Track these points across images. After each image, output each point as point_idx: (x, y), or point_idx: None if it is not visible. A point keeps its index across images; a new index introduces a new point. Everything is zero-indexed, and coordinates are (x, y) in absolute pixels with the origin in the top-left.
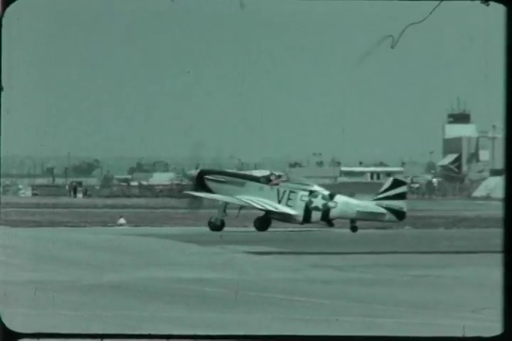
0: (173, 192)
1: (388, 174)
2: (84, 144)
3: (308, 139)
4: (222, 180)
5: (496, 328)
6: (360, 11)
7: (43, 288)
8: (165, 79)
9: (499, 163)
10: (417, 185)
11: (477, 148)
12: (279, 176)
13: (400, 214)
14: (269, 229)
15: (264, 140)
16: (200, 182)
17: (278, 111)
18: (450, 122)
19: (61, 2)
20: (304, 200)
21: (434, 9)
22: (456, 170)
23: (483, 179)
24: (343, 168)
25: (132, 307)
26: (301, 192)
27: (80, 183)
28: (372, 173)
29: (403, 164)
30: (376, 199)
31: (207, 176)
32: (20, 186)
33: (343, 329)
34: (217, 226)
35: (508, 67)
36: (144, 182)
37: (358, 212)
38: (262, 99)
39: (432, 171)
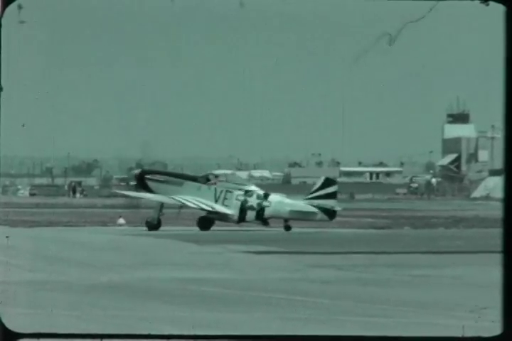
0: None
1: (387, 174)
2: (84, 144)
3: (308, 139)
4: (161, 179)
5: (495, 328)
6: (360, 10)
7: (42, 288)
8: (165, 78)
9: (498, 163)
10: (416, 185)
11: (476, 148)
12: (217, 176)
13: (331, 213)
14: (213, 228)
15: (263, 140)
16: (142, 181)
17: (278, 111)
18: (449, 122)
19: (61, 2)
20: (239, 200)
21: (431, 8)
22: (455, 170)
23: (483, 179)
24: (343, 168)
25: (131, 308)
26: (237, 192)
27: (79, 183)
28: (371, 173)
29: (402, 164)
30: (308, 199)
31: (147, 176)
32: (19, 186)
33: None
34: (153, 225)
35: (508, 67)
36: None
37: (291, 212)
38: (261, 99)
39: (431, 171)
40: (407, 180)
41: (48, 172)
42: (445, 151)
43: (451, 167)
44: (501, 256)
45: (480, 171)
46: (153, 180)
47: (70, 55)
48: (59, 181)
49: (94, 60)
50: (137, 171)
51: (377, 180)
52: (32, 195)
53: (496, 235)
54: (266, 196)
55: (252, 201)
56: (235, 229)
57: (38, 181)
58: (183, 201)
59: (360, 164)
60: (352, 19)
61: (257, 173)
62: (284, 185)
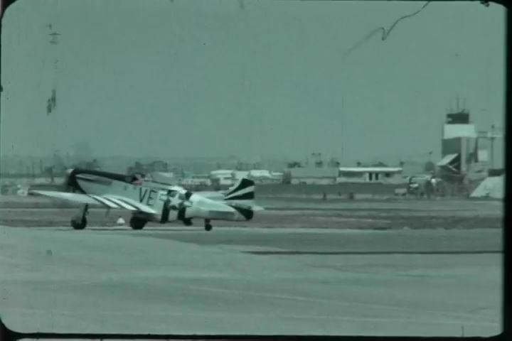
0: None
1: (387, 174)
2: (83, 144)
3: (308, 139)
4: (91, 179)
5: (495, 328)
6: (360, 9)
7: (41, 287)
8: (164, 77)
9: (498, 163)
10: (415, 185)
11: (476, 148)
12: (143, 175)
13: (248, 213)
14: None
15: (263, 140)
16: (73, 181)
17: (277, 111)
18: (449, 122)
19: (61, 2)
20: (162, 199)
21: (425, 5)
22: (455, 170)
23: (482, 179)
24: (342, 168)
25: (131, 307)
26: (161, 192)
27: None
28: (370, 173)
29: (402, 164)
30: (226, 199)
31: (78, 175)
32: (19, 186)
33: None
34: (78, 224)
35: (508, 67)
36: None
37: (211, 212)
38: (261, 98)
39: (431, 171)
40: (406, 180)
41: (48, 172)
42: (445, 151)
43: (451, 167)
44: (501, 256)
45: (480, 171)
46: (84, 180)
47: (70, 55)
48: (59, 181)
49: (94, 60)
50: (69, 170)
51: (377, 180)
52: (30, 194)
53: (495, 235)
54: (188, 196)
55: (175, 201)
56: (153, 229)
57: (37, 181)
58: (104, 201)
59: (359, 164)
60: (352, 19)
61: (256, 173)
62: (284, 185)
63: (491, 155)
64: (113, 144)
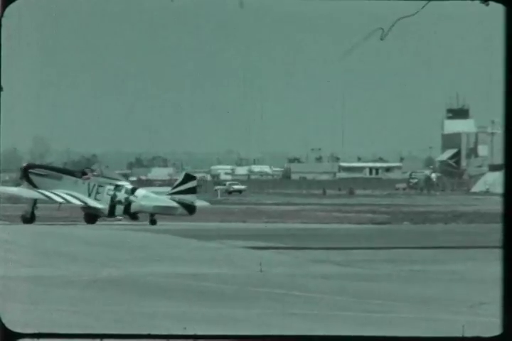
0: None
1: (387, 169)
2: (83, 139)
3: (308, 135)
4: (43, 173)
5: (495, 323)
6: (360, 9)
7: (42, 283)
8: (165, 76)
9: (498, 158)
10: (415, 180)
11: (476, 144)
12: (92, 170)
13: (190, 208)
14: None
15: (263, 135)
16: (26, 175)
17: (277, 106)
18: (449, 117)
19: (61, 2)
20: (109, 194)
21: (425, 5)
22: (454, 165)
23: (482, 174)
24: (342, 164)
25: (131, 303)
26: (108, 186)
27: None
28: (371, 169)
29: (402, 159)
30: (170, 194)
31: (31, 170)
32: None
33: (342, 324)
34: (27, 219)
35: (507, 65)
36: (143, 177)
37: (155, 206)
38: (261, 95)
39: (431, 166)
40: (406, 175)
41: (92, 167)
42: (445, 146)
43: (451, 162)
44: (501, 252)
45: (479, 166)
46: (36, 174)
47: (70, 55)
48: None
49: (93, 59)
50: (23, 165)
51: (377, 176)
52: None
53: (495, 230)
54: (133, 191)
55: (121, 195)
56: (104, 224)
57: None
58: (50, 195)
59: (359, 159)
60: (352, 18)
61: (256, 168)
62: (284, 180)
63: (491, 151)
64: (113, 139)
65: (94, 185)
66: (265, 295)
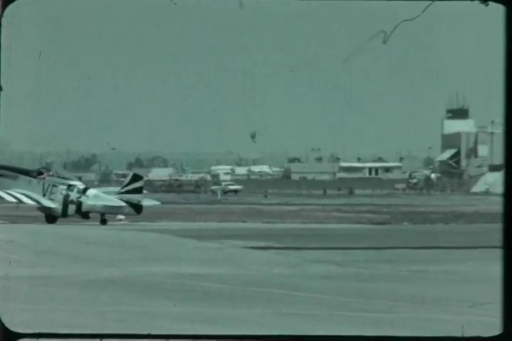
0: (171, 187)
1: (387, 169)
2: (83, 139)
3: (308, 135)
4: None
5: (495, 323)
6: (360, 9)
7: (42, 283)
8: (166, 75)
9: (498, 159)
10: (415, 181)
11: (476, 144)
12: (48, 170)
13: (137, 208)
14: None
15: (263, 135)
16: None
17: (277, 106)
18: (449, 117)
19: (61, 2)
20: (62, 194)
21: (426, 7)
22: (454, 165)
23: (482, 174)
24: (342, 164)
25: (131, 303)
26: (61, 186)
27: (79, 178)
28: (370, 169)
29: (402, 159)
30: (119, 193)
31: None
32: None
33: (342, 324)
34: None
35: (507, 65)
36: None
37: (104, 206)
38: (261, 94)
39: (431, 166)
40: (406, 175)
41: (48, 167)
42: (444, 146)
43: (451, 162)
44: (501, 252)
45: (479, 166)
46: None
47: (70, 55)
48: None
49: (93, 59)
50: None
51: (377, 176)
52: None
53: (495, 230)
54: (85, 190)
55: (73, 195)
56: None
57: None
58: (2, 195)
59: (359, 159)
60: (352, 18)
61: (256, 169)
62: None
63: (491, 151)
64: (113, 140)
65: (49, 184)
66: (265, 296)
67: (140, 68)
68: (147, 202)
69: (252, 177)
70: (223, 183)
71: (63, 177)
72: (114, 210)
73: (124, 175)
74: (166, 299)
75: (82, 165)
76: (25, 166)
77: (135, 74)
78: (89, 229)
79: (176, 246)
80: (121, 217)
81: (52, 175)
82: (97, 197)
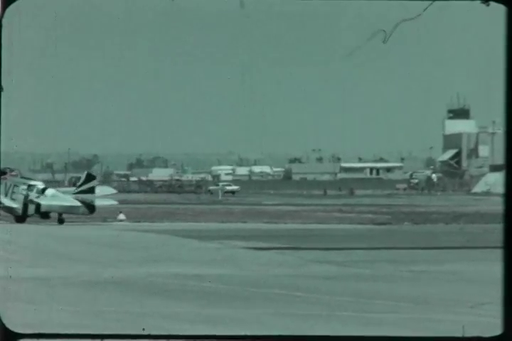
0: (172, 187)
1: (388, 169)
2: (84, 140)
3: (308, 135)
4: None
5: (496, 324)
6: (360, 9)
7: (43, 284)
8: (165, 76)
9: (499, 159)
10: (416, 181)
11: (477, 144)
12: (12, 170)
13: (90, 207)
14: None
15: (264, 136)
16: None
17: (278, 107)
18: (450, 118)
19: (61, 2)
20: (23, 194)
21: (427, 7)
22: (455, 165)
23: (483, 174)
24: (343, 164)
25: (132, 303)
26: (22, 186)
27: (79, 179)
28: (371, 169)
29: (403, 160)
30: (74, 193)
31: None
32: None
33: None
34: None
35: (508, 65)
36: (144, 178)
37: (61, 206)
38: (262, 95)
39: (432, 167)
40: (407, 175)
41: (49, 167)
42: (446, 147)
43: (452, 162)
44: (502, 252)
45: (480, 166)
46: None
47: (70, 55)
48: (59, 177)
49: (94, 59)
50: None
51: (378, 176)
52: None
53: (496, 230)
54: (43, 190)
55: (33, 195)
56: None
57: (38, 177)
58: None
59: (360, 160)
60: (352, 18)
61: (257, 169)
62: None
63: (492, 151)
64: (114, 140)
65: (11, 184)
66: (266, 296)
67: (140, 68)
68: (106, 201)
69: (253, 177)
70: (220, 184)
71: (25, 178)
72: (70, 210)
73: (125, 176)
74: (167, 299)
75: (83, 165)
76: (25, 167)
77: (135, 74)
78: (90, 230)
79: (177, 246)
80: (122, 217)
81: (16, 175)
82: (54, 197)
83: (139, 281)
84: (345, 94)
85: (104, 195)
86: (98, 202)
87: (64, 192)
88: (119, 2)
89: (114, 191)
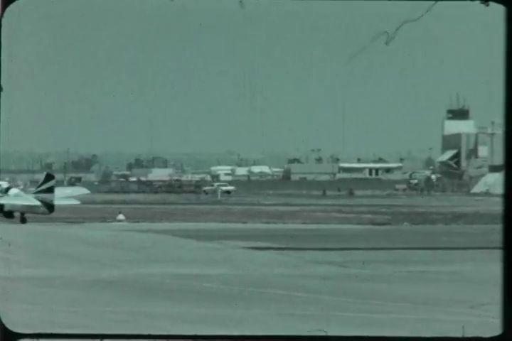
0: (171, 187)
1: (387, 170)
2: (83, 140)
3: (308, 135)
4: None
5: (495, 324)
6: (360, 10)
7: (43, 283)
8: (165, 76)
9: (498, 159)
10: (415, 181)
11: (476, 144)
12: None
13: (49, 207)
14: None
15: (263, 136)
16: None
17: (277, 107)
18: (449, 118)
19: (61, 2)
20: None
21: (429, 8)
22: (455, 166)
23: (482, 175)
24: (342, 164)
25: (131, 304)
26: None
27: (79, 179)
28: (371, 169)
29: (402, 160)
30: (34, 193)
31: None
32: (19, 182)
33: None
34: None
35: (508, 65)
36: (143, 178)
37: (23, 205)
38: (261, 95)
39: (431, 167)
40: (406, 176)
41: (48, 167)
42: (445, 147)
43: (451, 163)
44: (501, 253)
45: (480, 167)
46: None
47: (70, 55)
48: (59, 177)
49: (94, 59)
50: None
51: (377, 176)
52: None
53: (495, 231)
54: (7, 190)
55: None
56: None
57: (37, 177)
58: None
59: (359, 160)
60: (352, 18)
61: (256, 169)
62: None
63: (491, 151)
64: (113, 140)
65: None
66: (265, 296)
67: (140, 68)
68: (67, 201)
69: (253, 177)
70: (215, 184)
71: None
72: (31, 209)
73: (124, 176)
74: (166, 299)
75: (82, 165)
76: (25, 167)
77: (135, 74)
78: (89, 230)
79: (176, 246)
80: (121, 217)
81: None
82: (17, 196)
83: (138, 281)
84: (345, 95)
85: (76, 195)
86: (59, 202)
87: (27, 192)
88: (119, 2)
89: (87, 191)
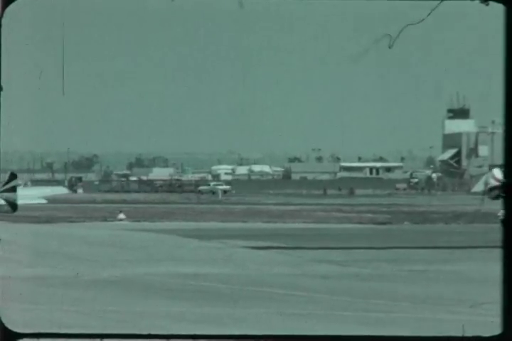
0: (172, 187)
1: (388, 169)
2: (84, 139)
3: (308, 134)
4: None
5: (496, 323)
6: (360, 10)
7: (43, 283)
8: (165, 76)
9: (498, 158)
10: (416, 180)
11: (476, 143)
12: None
13: (13, 206)
14: None
15: (264, 135)
16: None
17: (278, 106)
18: (450, 117)
19: (61, 2)
20: None
21: (432, 11)
22: (455, 165)
23: (483, 174)
24: (343, 164)
25: (131, 303)
26: None
27: (79, 178)
28: (371, 168)
29: (403, 159)
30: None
31: None
32: (19, 181)
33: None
34: None
35: (507, 65)
36: (144, 178)
37: None
38: (262, 95)
39: (432, 166)
40: (407, 175)
41: (49, 167)
42: (445, 146)
43: (452, 162)
44: (501, 252)
45: (480, 166)
46: None
47: (70, 55)
48: (59, 176)
49: (94, 60)
50: None
51: (378, 175)
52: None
53: (495, 230)
54: None
55: None
56: None
57: (38, 176)
58: None
59: (360, 159)
60: (352, 19)
61: (257, 168)
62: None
63: (492, 150)
64: (114, 139)
65: None
66: (266, 295)
67: (140, 68)
68: (33, 200)
69: (253, 177)
70: (211, 183)
71: None
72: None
73: (125, 175)
74: (167, 299)
75: (83, 165)
76: (25, 166)
77: (135, 74)
78: (90, 229)
79: (177, 246)
80: (122, 216)
81: None
82: None
83: (139, 281)
84: (345, 94)
85: (54, 195)
86: (26, 201)
87: None
88: (119, 2)
89: (66, 191)
